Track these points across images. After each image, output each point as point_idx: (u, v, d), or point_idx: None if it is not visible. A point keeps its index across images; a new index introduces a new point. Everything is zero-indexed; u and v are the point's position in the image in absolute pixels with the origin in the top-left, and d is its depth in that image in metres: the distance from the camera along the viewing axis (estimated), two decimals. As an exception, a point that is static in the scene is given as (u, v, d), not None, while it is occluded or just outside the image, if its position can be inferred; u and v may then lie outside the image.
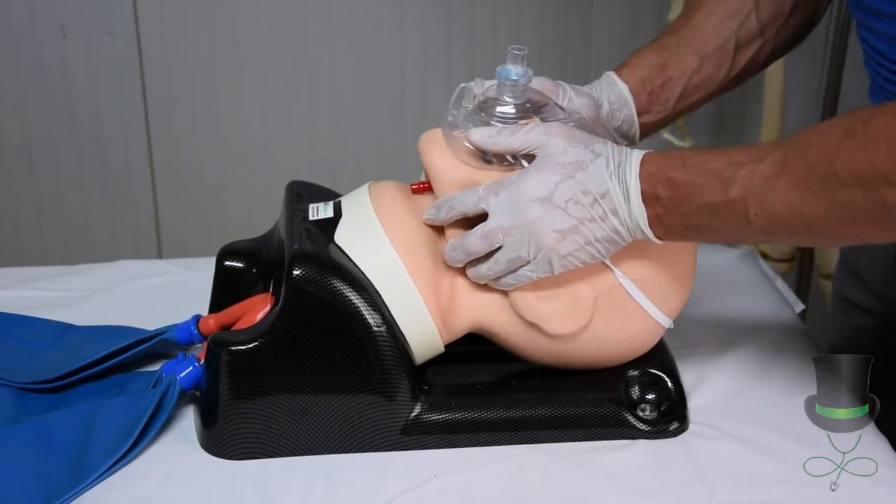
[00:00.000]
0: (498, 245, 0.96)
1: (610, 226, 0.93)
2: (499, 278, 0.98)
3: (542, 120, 1.00)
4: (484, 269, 0.98)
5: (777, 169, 0.86)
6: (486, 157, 0.99)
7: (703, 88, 1.14)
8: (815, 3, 1.15)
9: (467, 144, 0.99)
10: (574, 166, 0.93)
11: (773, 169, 0.86)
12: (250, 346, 0.97)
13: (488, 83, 1.03)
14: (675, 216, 0.91)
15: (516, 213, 0.94)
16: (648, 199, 0.92)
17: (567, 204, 0.93)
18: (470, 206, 0.97)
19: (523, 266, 0.96)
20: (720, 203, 0.89)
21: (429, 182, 1.03)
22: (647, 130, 1.14)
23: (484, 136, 0.98)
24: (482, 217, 0.97)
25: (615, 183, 0.92)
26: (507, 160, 0.98)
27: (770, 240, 0.92)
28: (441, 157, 1.01)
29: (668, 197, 0.91)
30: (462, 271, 1.01)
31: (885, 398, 0.95)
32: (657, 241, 0.94)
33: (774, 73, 2.10)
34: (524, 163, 0.98)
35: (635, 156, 0.93)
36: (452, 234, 1.01)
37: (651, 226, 0.93)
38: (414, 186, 1.05)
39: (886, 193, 0.80)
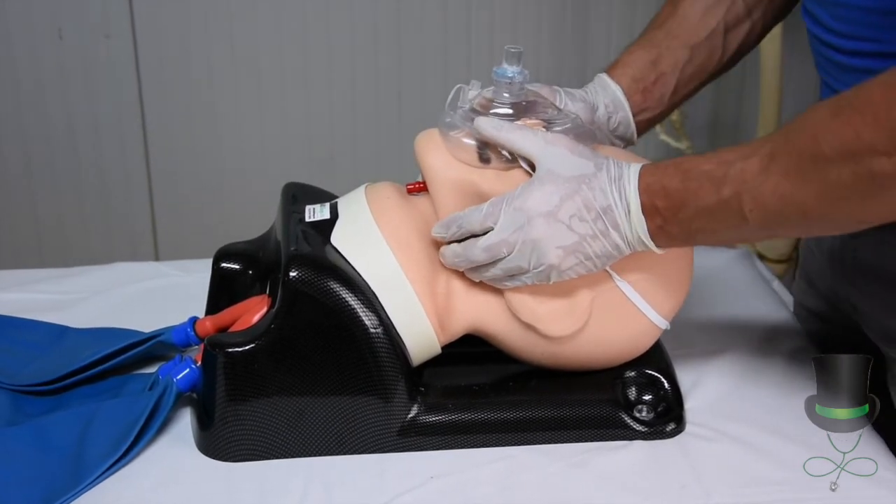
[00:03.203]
0: (501, 257, 0.96)
1: (611, 242, 0.93)
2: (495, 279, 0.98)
3: (541, 120, 1.00)
4: (482, 271, 0.98)
5: (766, 161, 0.85)
6: (484, 155, 0.99)
7: (696, 78, 1.13)
8: None
9: (466, 141, 0.99)
10: (578, 180, 0.93)
11: (762, 162, 0.85)
12: (247, 347, 0.97)
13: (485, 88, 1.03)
14: (674, 224, 0.91)
15: (521, 229, 0.94)
16: (648, 211, 0.92)
17: (571, 220, 0.93)
18: (477, 226, 0.96)
19: (522, 274, 0.96)
20: (715, 204, 0.88)
21: (424, 182, 1.03)
22: (644, 127, 1.14)
23: (490, 125, 0.97)
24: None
25: (616, 197, 0.92)
26: (505, 156, 0.98)
27: (770, 234, 0.92)
28: (437, 156, 1.01)
29: (666, 207, 0.91)
30: (458, 273, 1.01)
31: None
32: (658, 251, 0.94)
33: (771, 73, 2.10)
34: (523, 163, 0.98)
35: (633, 169, 0.93)
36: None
37: (653, 237, 0.93)
38: (409, 186, 1.05)
39: (874, 163, 0.79)
